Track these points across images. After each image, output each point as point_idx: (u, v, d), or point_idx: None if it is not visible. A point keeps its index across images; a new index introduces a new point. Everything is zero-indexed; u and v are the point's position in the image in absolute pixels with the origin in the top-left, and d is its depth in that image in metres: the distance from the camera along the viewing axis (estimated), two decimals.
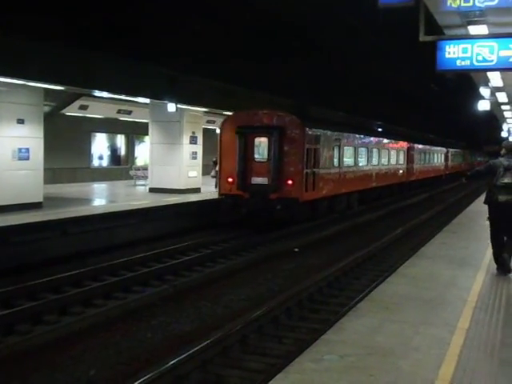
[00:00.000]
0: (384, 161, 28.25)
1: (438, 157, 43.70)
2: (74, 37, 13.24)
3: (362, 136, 24.98)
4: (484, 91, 19.01)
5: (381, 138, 28.43)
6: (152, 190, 22.08)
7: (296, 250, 15.61)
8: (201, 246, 15.30)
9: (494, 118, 36.71)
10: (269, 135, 18.17)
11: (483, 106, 21.15)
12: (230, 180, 18.55)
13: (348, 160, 22.90)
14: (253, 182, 18.30)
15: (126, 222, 16.10)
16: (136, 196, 20.77)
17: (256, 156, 18.46)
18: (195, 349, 7.33)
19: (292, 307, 9.77)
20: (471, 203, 23.10)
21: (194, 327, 9.18)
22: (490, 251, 10.94)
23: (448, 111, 40.92)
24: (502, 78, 15.55)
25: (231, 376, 7.11)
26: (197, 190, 22.50)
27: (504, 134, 45.42)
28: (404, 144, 32.62)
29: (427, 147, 39.54)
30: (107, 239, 15.14)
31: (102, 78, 16.29)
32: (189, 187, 22.11)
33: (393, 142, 30.53)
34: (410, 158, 33.39)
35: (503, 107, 24.54)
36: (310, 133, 18.79)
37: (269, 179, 18.06)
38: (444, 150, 46.53)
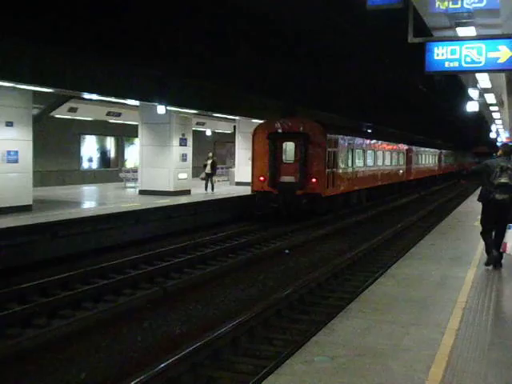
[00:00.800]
0: (387, 162, 31.18)
1: (432, 158, 46.19)
2: (63, 39, 13.19)
3: (369, 140, 27.88)
4: (472, 92, 19.12)
5: (385, 142, 30.96)
6: (142, 193, 22.04)
7: (287, 251, 15.63)
8: (190, 248, 15.29)
9: (482, 119, 36.92)
10: (296, 140, 21.22)
11: (472, 107, 21.26)
12: (262, 179, 21.59)
13: (358, 161, 25.77)
14: (282, 180, 21.31)
15: (116, 225, 16.06)
16: (126, 198, 20.72)
17: (284, 158, 21.46)
18: (186, 351, 7.31)
19: (283, 309, 9.77)
20: (460, 204, 23.21)
21: (185, 329, 9.17)
22: (479, 251, 11.08)
23: (437, 112, 41.10)
24: (491, 80, 15.63)
25: (222, 378, 7.11)
26: (187, 192, 22.48)
27: (492, 135, 45.71)
28: (404, 146, 35.44)
29: (423, 149, 42.03)
30: (96, 242, 15.11)
31: (91, 80, 16.24)
32: (179, 189, 22.09)
33: (394, 144, 33.30)
34: (408, 160, 36.23)
35: (491, 108, 24.66)
36: (330, 138, 21.72)
37: (296, 178, 21.08)
38: (438, 151, 48.82)
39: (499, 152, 9.59)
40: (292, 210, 20.77)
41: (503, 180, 8.78)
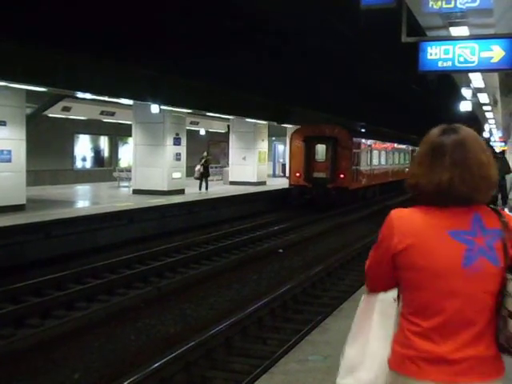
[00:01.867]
0: (396, 161, 35.73)
1: None
2: (57, 38, 13.15)
3: (382, 142, 32.53)
4: (466, 92, 19.16)
5: (394, 143, 35.48)
6: (136, 192, 21.99)
7: (280, 250, 15.64)
8: (185, 248, 15.28)
9: (475, 119, 37.01)
10: (326, 143, 25.58)
11: (465, 106, 21.32)
12: (298, 174, 25.71)
13: (375, 160, 30.30)
14: (314, 176, 25.44)
15: (110, 224, 16.05)
16: (119, 198, 20.69)
17: (317, 157, 25.70)
18: (179, 351, 7.31)
19: (276, 308, 9.78)
20: None
21: (179, 329, 9.16)
22: None
23: (430, 112, 41.22)
24: (484, 79, 15.67)
25: (216, 377, 7.12)
26: (181, 192, 22.46)
27: (486, 135, 45.86)
28: (409, 147, 39.72)
29: None
30: (90, 241, 15.09)
31: (85, 79, 16.20)
32: (173, 188, 22.05)
33: (402, 145, 37.77)
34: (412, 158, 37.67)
35: (484, 108, 24.72)
36: (354, 141, 26.41)
37: (326, 174, 25.36)
38: None
39: None
40: (323, 200, 24.58)
41: None
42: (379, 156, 31.42)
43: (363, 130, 33.39)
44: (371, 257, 2.27)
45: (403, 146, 37.98)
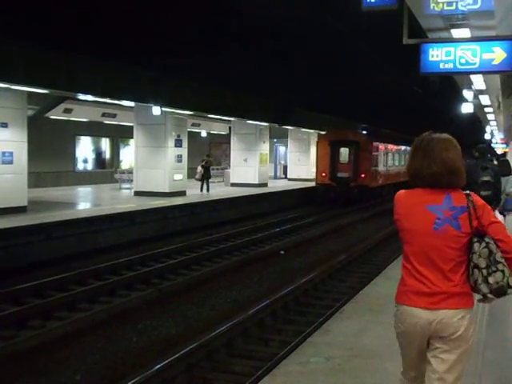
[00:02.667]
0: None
1: None
2: (58, 40, 13.17)
3: (396, 145, 35.82)
4: (467, 94, 19.16)
5: (405, 146, 37.63)
6: (137, 194, 22.01)
7: (282, 252, 15.65)
8: (186, 250, 15.28)
9: (477, 121, 37.00)
10: (349, 146, 28.66)
11: (466, 108, 21.32)
12: (324, 174, 28.91)
13: (390, 162, 33.92)
14: (338, 176, 28.57)
15: (111, 226, 16.06)
16: (121, 199, 20.70)
17: (341, 159, 28.75)
18: (181, 352, 7.31)
19: (278, 310, 9.78)
20: None
21: (180, 330, 9.16)
22: None
23: (432, 113, 41.20)
24: (485, 81, 15.67)
25: (217, 379, 7.11)
26: (182, 193, 22.47)
27: (487, 136, 45.84)
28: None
29: None
30: (91, 243, 15.11)
31: (86, 81, 16.22)
32: (174, 190, 22.07)
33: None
34: None
35: (486, 110, 24.72)
36: (374, 145, 29.81)
37: (349, 174, 28.52)
38: None
39: (476, 154, 10.37)
40: (346, 197, 27.63)
41: (485, 178, 9.45)
42: (393, 158, 35.11)
43: (380, 134, 35.75)
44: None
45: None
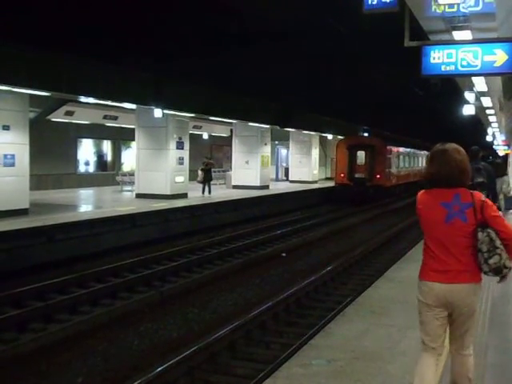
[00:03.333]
0: (415, 164, 42.55)
1: None
2: (59, 42, 13.18)
3: (406, 148, 39.21)
4: (469, 96, 19.14)
5: (415, 149, 42.71)
6: (139, 196, 22.02)
7: (283, 254, 15.64)
8: (188, 252, 15.28)
9: (479, 123, 36.96)
10: (365, 149, 31.69)
11: (468, 110, 21.31)
12: (342, 175, 31.77)
13: (401, 164, 37.09)
14: (356, 176, 31.41)
15: (113, 228, 16.07)
16: (122, 202, 20.70)
17: (358, 161, 31.65)
18: (183, 355, 7.31)
19: (279, 312, 9.77)
20: None
21: (182, 333, 9.16)
22: None
23: (434, 116, 41.20)
24: (487, 83, 15.66)
25: (219, 382, 7.11)
26: (184, 196, 22.47)
27: (489, 138, 45.80)
28: (424, 152, 45.07)
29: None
30: (93, 245, 15.12)
31: (88, 83, 16.23)
32: (176, 193, 22.07)
33: (420, 151, 44.93)
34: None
35: (488, 111, 24.69)
36: (388, 148, 32.90)
37: (365, 174, 31.39)
38: None
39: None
40: (362, 196, 30.23)
41: (480, 179, 9.95)
42: (404, 160, 38.27)
43: (392, 138, 39.07)
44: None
45: (421, 152, 45.19)
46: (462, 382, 4.17)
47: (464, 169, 4.02)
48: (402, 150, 37.27)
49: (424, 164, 40.96)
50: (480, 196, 4.00)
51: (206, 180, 23.97)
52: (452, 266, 3.93)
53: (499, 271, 3.89)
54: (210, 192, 23.89)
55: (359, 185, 31.02)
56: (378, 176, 31.49)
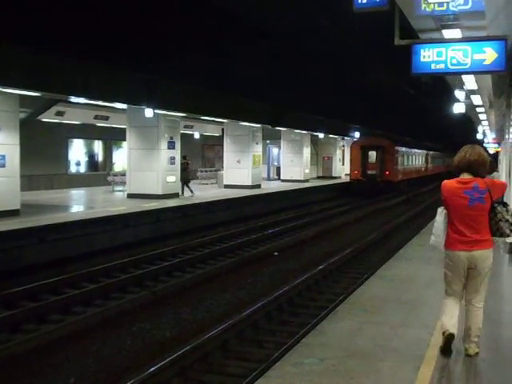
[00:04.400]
0: (418, 162, 48.25)
1: (438, 159, 62.92)
2: (50, 42, 13.14)
3: (411, 148, 44.57)
4: (459, 94, 19.20)
5: (418, 149, 48.10)
6: (130, 196, 21.99)
7: (275, 253, 15.65)
8: (180, 252, 15.27)
9: (469, 121, 37.09)
10: (376, 150, 36.44)
11: (458, 108, 21.38)
12: (356, 172, 36.49)
13: (407, 162, 41.97)
14: (368, 173, 36.13)
15: (104, 228, 16.04)
16: (114, 202, 20.66)
17: (370, 160, 36.41)
18: (176, 355, 7.31)
19: (272, 311, 9.79)
20: None
21: (175, 333, 9.16)
22: None
23: (424, 114, 41.40)
24: (477, 81, 15.72)
25: (212, 381, 7.12)
26: (175, 195, 22.46)
27: (479, 136, 45.95)
28: (424, 151, 52.03)
29: (432, 153, 58.15)
30: (85, 246, 15.10)
31: (79, 83, 16.18)
32: (167, 192, 22.06)
33: (420, 150, 50.04)
34: (426, 161, 53.34)
35: (478, 110, 24.78)
36: (396, 149, 37.60)
37: (377, 171, 36.12)
38: (441, 154, 65.07)
39: None
40: (374, 190, 34.65)
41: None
42: (408, 159, 43.06)
43: (399, 140, 42.49)
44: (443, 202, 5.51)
45: (422, 151, 51.06)
46: (474, 330, 5.50)
47: (485, 162, 5.45)
48: (406, 149, 41.89)
49: (424, 161, 52.18)
50: (492, 181, 5.50)
51: (183, 180, 23.69)
52: (473, 238, 5.32)
53: None
54: (191, 191, 23.67)
55: (371, 180, 35.66)
56: (387, 172, 36.24)
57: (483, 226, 5.33)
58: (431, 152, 57.05)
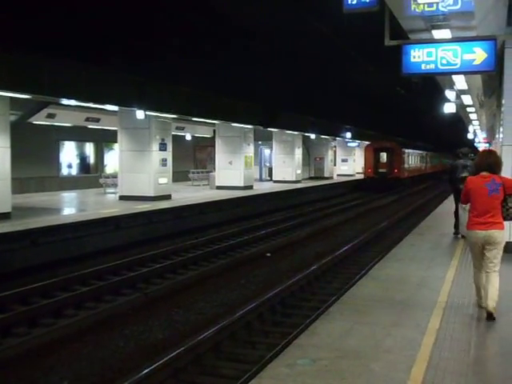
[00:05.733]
0: (420, 162, 53.84)
1: (436, 159, 67.48)
2: (41, 44, 13.10)
3: (414, 149, 50.49)
4: (449, 94, 19.29)
5: (419, 150, 54.11)
6: (122, 198, 21.94)
7: (268, 254, 15.65)
8: (172, 253, 15.25)
9: (460, 121, 37.24)
10: (386, 151, 42.18)
11: (449, 108, 21.47)
12: (369, 170, 42.30)
13: (411, 161, 47.95)
14: (379, 171, 41.89)
15: (96, 231, 16.00)
16: (106, 204, 20.61)
17: (381, 160, 42.19)
18: (168, 357, 7.30)
19: (265, 312, 9.78)
20: (438, 206, 23.37)
21: (167, 335, 9.14)
22: (458, 251, 11.27)
23: (415, 114, 41.64)
24: (467, 81, 15.79)
25: (205, 383, 7.11)
26: (167, 197, 22.43)
27: (470, 136, 46.10)
28: (424, 152, 57.39)
29: (431, 153, 63.09)
30: (76, 248, 15.05)
31: (70, 85, 16.14)
32: (159, 194, 22.02)
33: (422, 151, 55.74)
34: (426, 160, 58.51)
35: (468, 109, 24.90)
36: (402, 150, 43.24)
37: (386, 169, 41.78)
38: (438, 154, 69.58)
39: (460, 155, 13.57)
40: (384, 185, 39.62)
41: (464, 174, 11.71)
42: (413, 159, 49.28)
43: (405, 143, 48.57)
44: (462, 194, 7.41)
45: (423, 152, 56.42)
46: (492, 291, 6.86)
47: (498, 163, 7.25)
48: (410, 151, 47.80)
49: (425, 160, 58.34)
50: (505, 179, 7.23)
51: None
52: (489, 220, 6.93)
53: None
54: None
55: (382, 177, 41.36)
56: (396, 171, 42.05)
57: (497, 211, 6.96)
58: (430, 152, 62.08)
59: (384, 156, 42.21)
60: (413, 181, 48.20)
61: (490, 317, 6.82)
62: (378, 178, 41.34)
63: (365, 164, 43.28)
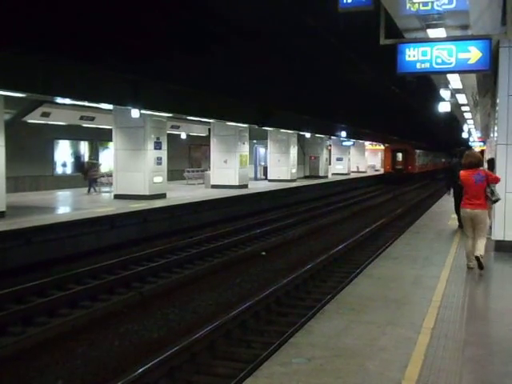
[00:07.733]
0: (427, 160, 63.31)
1: (437, 158, 75.96)
2: (35, 43, 13.06)
3: (423, 150, 60.21)
4: (444, 93, 19.32)
5: (426, 150, 63.53)
6: (117, 197, 21.91)
7: (263, 253, 15.65)
8: (168, 252, 15.24)
9: (454, 120, 37.31)
10: (402, 152, 53.46)
11: (444, 107, 21.51)
12: (388, 167, 53.42)
13: (421, 160, 57.84)
14: (396, 167, 52.99)
15: (91, 230, 15.98)
16: (101, 203, 20.57)
17: (397, 158, 53.31)
18: (163, 355, 7.29)
19: (260, 311, 9.79)
20: (433, 204, 23.42)
21: (162, 334, 9.14)
22: (453, 250, 11.38)
23: (410, 113, 41.53)
24: (461, 80, 15.82)
25: (200, 382, 7.11)
26: (162, 196, 22.41)
27: (465, 135, 46.21)
28: (430, 151, 67.04)
29: (435, 153, 72.61)
30: (71, 247, 15.03)
31: (64, 84, 16.10)
32: (154, 193, 22.00)
33: (428, 151, 65.23)
34: (431, 158, 67.72)
35: (463, 108, 24.95)
36: (416, 151, 54.63)
37: (402, 166, 53.00)
38: (439, 153, 78.37)
39: (458, 155, 14.54)
40: (400, 179, 49.46)
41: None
42: (423, 158, 59.86)
43: (416, 145, 57.88)
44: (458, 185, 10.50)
45: (429, 152, 65.29)
46: (479, 248, 9.41)
47: (480, 160, 9.84)
48: (420, 151, 57.57)
49: (428, 159, 66.38)
50: (487, 172, 10.07)
51: (88, 180, 24.38)
52: (475, 202, 9.46)
53: (496, 201, 9.70)
54: (95, 191, 24.35)
55: (398, 172, 51.99)
56: (410, 167, 53.01)
57: (481, 195, 9.47)
58: (433, 152, 71.47)
59: (400, 155, 53.21)
60: (422, 175, 57.71)
61: (480, 264, 9.41)
62: (395, 173, 52.06)
63: (384, 162, 55.50)
